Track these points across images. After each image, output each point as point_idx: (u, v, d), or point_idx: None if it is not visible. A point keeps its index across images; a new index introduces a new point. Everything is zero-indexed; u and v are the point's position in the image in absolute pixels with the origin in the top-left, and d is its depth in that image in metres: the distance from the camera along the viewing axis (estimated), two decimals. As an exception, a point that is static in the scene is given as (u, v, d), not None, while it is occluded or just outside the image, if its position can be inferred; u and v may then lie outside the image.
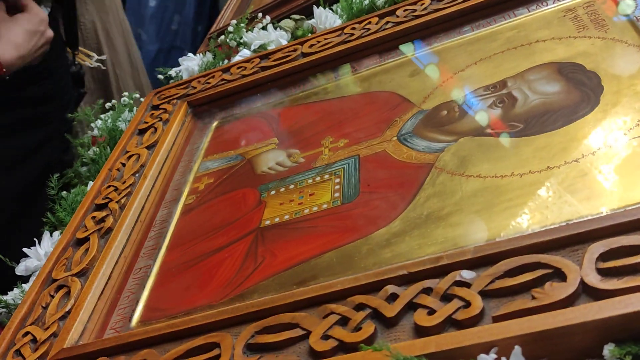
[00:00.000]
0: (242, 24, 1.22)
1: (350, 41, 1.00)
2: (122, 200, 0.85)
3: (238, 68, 1.08)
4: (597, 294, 0.46)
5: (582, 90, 0.72)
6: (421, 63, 0.91)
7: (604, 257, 0.49)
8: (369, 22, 1.02)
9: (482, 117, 0.75)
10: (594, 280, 0.47)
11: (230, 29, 1.21)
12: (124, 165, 0.94)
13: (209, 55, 1.20)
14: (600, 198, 0.58)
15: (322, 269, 0.65)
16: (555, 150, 0.66)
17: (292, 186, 0.80)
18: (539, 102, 0.73)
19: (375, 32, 0.99)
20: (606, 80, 0.72)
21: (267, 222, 0.75)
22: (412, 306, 0.53)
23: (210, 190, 0.86)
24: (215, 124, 1.02)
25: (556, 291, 0.47)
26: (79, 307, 0.69)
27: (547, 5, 0.90)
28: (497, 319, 0.48)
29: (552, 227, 0.56)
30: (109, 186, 0.90)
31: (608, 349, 0.44)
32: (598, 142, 0.64)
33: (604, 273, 0.48)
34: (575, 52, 0.78)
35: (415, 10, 0.99)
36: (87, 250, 0.77)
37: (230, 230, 0.76)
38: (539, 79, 0.77)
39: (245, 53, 1.16)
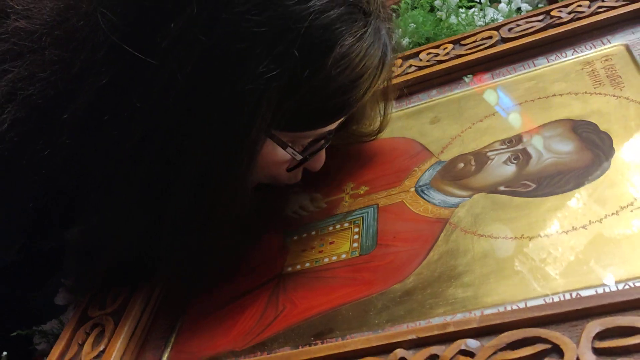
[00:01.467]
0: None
1: (374, 83, 1.03)
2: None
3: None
4: (591, 375, 0.50)
5: (594, 152, 0.74)
6: (442, 110, 0.95)
7: (600, 336, 0.52)
8: (393, 64, 1.05)
9: (496, 173, 0.78)
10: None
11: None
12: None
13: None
14: (603, 270, 0.60)
15: (339, 323, 0.69)
16: (564, 214, 0.69)
17: (313, 232, 0.84)
18: (551, 161, 0.76)
19: (399, 75, 1.03)
20: (617, 142, 0.74)
21: (289, 269, 0.80)
22: (419, 372, 0.57)
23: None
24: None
25: (553, 369, 0.51)
26: (112, 347, 0.74)
27: (565, 56, 0.92)
28: (497, 393, 0.52)
29: (555, 299, 0.59)
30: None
31: None
32: (606, 209, 0.67)
33: (600, 353, 0.51)
34: (590, 109, 0.81)
35: (437, 55, 1.02)
36: (120, 291, 0.82)
37: (255, 275, 0.81)
38: (553, 136, 0.80)
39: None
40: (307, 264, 0.79)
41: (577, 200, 0.69)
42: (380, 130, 0.92)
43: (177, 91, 0.67)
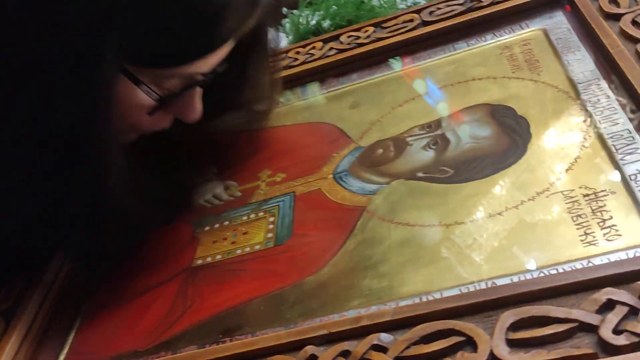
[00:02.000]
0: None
1: (293, 66, 1.00)
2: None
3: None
4: (505, 367, 0.48)
5: (512, 136, 0.73)
6: (362, 95, 0.92)
7: (514, 326, 0.50)
8: (313, 47, 1.02)
9: (415, 159, 0.76)
10: (503, 352, 0.48)
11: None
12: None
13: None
14: (521, 257, 0.59)
15: (249, 318, 0.65)
16: (482, 200, 0.67)
17: (226, 222, 0.79)
18: (470, 146, 0.74)
19: (319, 58, 0.99)
20: (535, 126, 0.73)
21: (199, 262, 0.75)
22: (329, 369, 0.53)
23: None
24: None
25: (467, 362, 0.48)
26: (2, 350, 0.68)
27: (485, 40, 0.91)
28: (409, 389, 0.49)
29: (470, 288, 0.57)
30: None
31: None
32: (522, 195, 0.65)
33: (513, 344, 0.49)
34: (508, 94, 0.80)
35: (358, 38, 0.99)
36: (13, 286, 0.75)
37: (162, 269, 0.76)
38: (472, 121, 0.78)
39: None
40: (219, 256, 0.75)
41: (495, 186, 0.68)
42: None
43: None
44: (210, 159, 0.83)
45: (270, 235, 0.74)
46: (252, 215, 0.78)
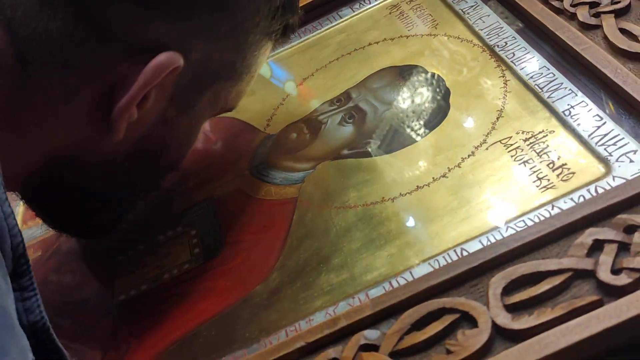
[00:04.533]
0: None
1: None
2: None
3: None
4: (513, 336, 0.44)
5: (431, 95, 0.70)
6: (255, 80, 0.84)
7: (507, 290, 0.47)
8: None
9: (335, 137, 0.71)
10: (506, 320, 0.45)
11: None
12: None
13: None
14: (480, 216, 0.56)
15: (202, 347, 0.57)
16: (419, 166, 0.63)
17: (141, 247, 0.70)
18: (388, 113, 0.70)
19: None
20: (449, 81, 0.70)
21: (122, 297, 0.65)
22: (320, 384, 0.47)
23: (41, 265, 0.73)
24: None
25: (471, 340, 0.44)
26: None
27: (369, 3, 0.87)
28: (417, 385, 0.44)
29: (439, 260, 0.53)
30: None
31: (536, 394, 0.41)
32: (460, 152, 0.62)
33: (512, 309, 0.46)
34: (410, 52, 0.77)
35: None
36: None
37: (79, 315, 0.65)
38: (382, 86, 0.74)
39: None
40: (144, 286, 0.65)
41: (429, 148, 0.64)
42: None
43: None
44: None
45: (197, 250, 0.66)
46: (170, 233, 0.70)
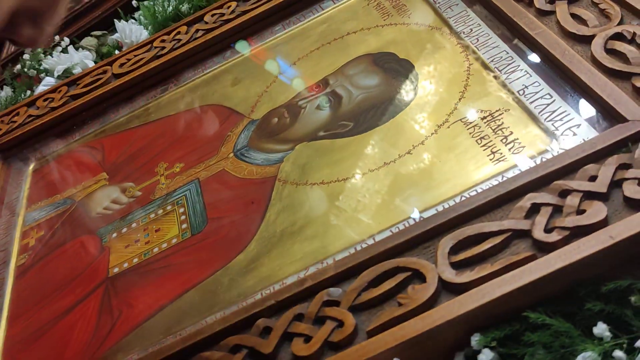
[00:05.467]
0: (38, 50, 1.12)
1: (162, 55, 0.96)
2: (-59, 277, 0.76)
3: (45, 100, 0.99)
4: (456, 288, 0.49)
5: (400, 79, 0.75)
6: (240, 70, 0.90)
7: (454, 249, 0.52)
8: (179, 32, 0.98)
9: (312, 120, 0.76)
10: (450, 275, 0.50)
11: (26, 56, 1.11)
12: None
13: (8, 90, 1.09)
14: (440, 187, 0.61)
15: (186, 311, 0.62)
16: (387, 145, 0.68)
17: (134, 225, 0.75)
18: (362, 97, 0.75)
19: (187, 42, 0.96)
20: (418, 66, 0.75)
21: (116, 270, 0.71)
22: (287, 336, 0.53)
23: (43, 244, 0.79)
24: (31, 167, 0.93)
25: (419, 294, 0.50)
26: None
27: (350, -4, 0.92)
28: (371, 333, 0.49)
29: (399, 227, 0.58)
30: None
31: (475, 340, 0.46)
32: (424, 131, 0.67)
33: (457, 266, 0.51)
34: (385, 40, 0.81)
35: (223, 15, 0.97)
36: None
37: (76, 287, 0.71)
38: (357, 73, 0.79)
39: (49, 81, 1.07)
40: (135, 260, 0.71)
41: (397, 128, 0.69)
42: None
43: None
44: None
45: (184, 226, 0.72)
46: (160, 211, 0.75)
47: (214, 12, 0.98)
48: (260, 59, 0.90)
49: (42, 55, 1.12)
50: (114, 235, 0.75)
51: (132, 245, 0.73)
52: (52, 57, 1.10)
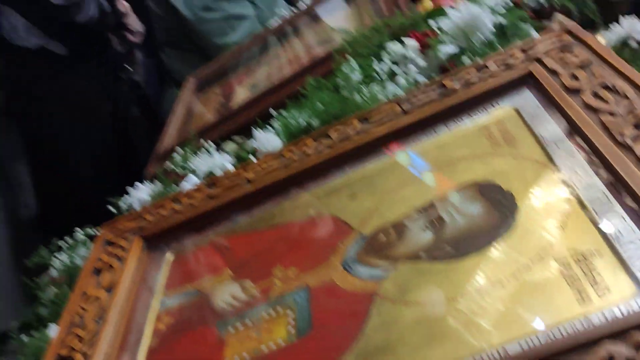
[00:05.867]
0: (187, 150, 1.29)
1: (289, 165, 1.07)
2: (86, 350, 0.88)
3: (187, 197, 1.13)
4: None
5: (501, 210, 0.80)
6: (358, 185, 0.99)
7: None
8: (305, 145, 1.10)
9: (415, 241, 0.82)
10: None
11: (177, 157, 1.28)
12: (84, 309, 0.97)
13: (158, 184, 1.26)
14: (523, 322, 0.65)
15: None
16: (481, 271, 0.73)
17: (248, 322, 0.84)
18: (465, 224, 0.81)
19: (313, 154, 1.07)
20: (519, 198, 0.80)
21: (229, 363, 0.80)
22: None
23: (172, 330, 0.90)
24: (169, 256, 1.06)
25: None
26: None
27: (462, 121, 0.99)
28: None
29: (482, 356, 0.63)
30: (71, 334, 0.92)
31: None
32: (519, 265, 0.71)
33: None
34: (491, 170, 0.87)
35: (346, 132, 1.07)
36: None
37: (194, 375, 0.80)
38: (463, 200, 0.85)
39: (192, 179, 1.23)
40: (245, 354, 0.79)
41: (491, 257, 0.74)
42: None
43: None
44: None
45: (291, 329, 0.80)
46: (272, 313, 0.84)
47: (339, 128, 1.09)
48: (376, 176, 0.98)
49: (190, 155, 1.29)
50: (231, 329, 0.84)
51: (245, 342, 0.81)
52: (198, 158, 1.26)
